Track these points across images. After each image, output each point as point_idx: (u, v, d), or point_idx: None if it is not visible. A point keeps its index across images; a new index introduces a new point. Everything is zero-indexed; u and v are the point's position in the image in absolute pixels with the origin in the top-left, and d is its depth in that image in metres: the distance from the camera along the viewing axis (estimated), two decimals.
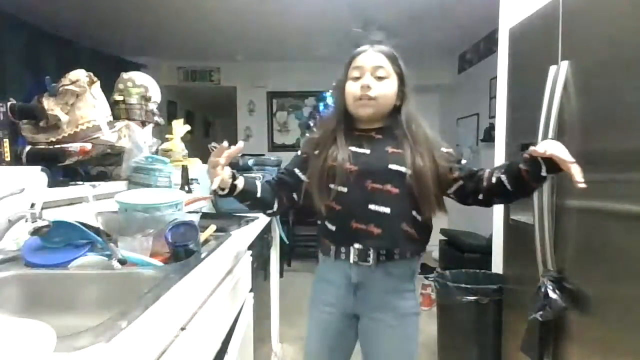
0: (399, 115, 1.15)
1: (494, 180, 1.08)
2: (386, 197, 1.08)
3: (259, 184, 1.18)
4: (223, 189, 1.11)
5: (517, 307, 1.80)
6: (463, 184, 1.13)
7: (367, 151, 1.13)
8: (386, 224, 1.09)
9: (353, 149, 1.13)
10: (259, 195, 1.17)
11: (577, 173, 0.93)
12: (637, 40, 1.15)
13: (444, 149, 1.15)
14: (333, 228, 1.14)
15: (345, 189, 1.11)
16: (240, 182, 1.12)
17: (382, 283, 1.13)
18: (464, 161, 1.16)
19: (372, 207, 1.09)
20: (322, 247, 1.19)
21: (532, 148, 0.97)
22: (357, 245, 1.10)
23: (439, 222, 5.29)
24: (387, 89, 1.12)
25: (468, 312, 2.05)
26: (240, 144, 1.10)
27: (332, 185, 1.12)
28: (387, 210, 1.08)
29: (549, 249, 1.46)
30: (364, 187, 1.09)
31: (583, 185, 0.92)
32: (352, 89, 1.14)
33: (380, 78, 1.12)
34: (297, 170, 1.22)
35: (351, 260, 1.11)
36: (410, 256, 1.13)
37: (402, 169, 1.08)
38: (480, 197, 1.12)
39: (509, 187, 1.05)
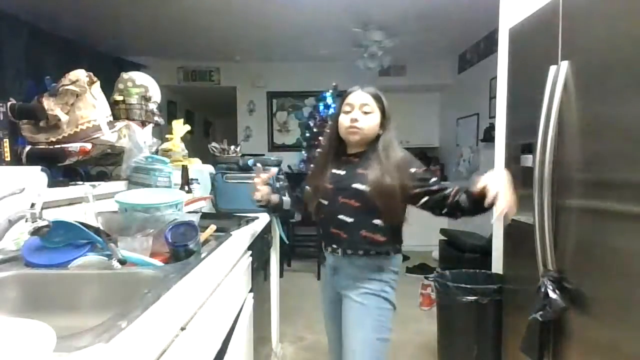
0: (377, 142, 1.42)
1: (455, 199, 1.31)
2: (350, 209, 1.36)
3: (286, 199, 1.57)
4: (259, 201, 1.50)
5: (517, 307, 1.80)
6: (428, 199, 1.35)
7: (343, 172, 1.41)
8: (350, 231, 1.37)
9: (334, 170, 1.43)
10: (286, 208, 1.57)
11: (497, 211, 1.19)
12: (637, 40, 1.15)
13: (413, 169, 1.37)
14: (321, 231, 1.48)
15: (326, 202, 1.41)
16: (274, 198, 1.53)
17: (349, 269, 1.41)
18: (434, 179, 1.37)
19: (340, 217, 1.37)
20: (320, 242, 1.56)
21: (472, 185, 1.25)
22: (334, 245, 1.42)
23: (439, 222, 5.26)
24: (371, 122, 1.40)
25: (468, 312, 2.05)
26: (274, 170, 1.55)
27: (319, 199, 1.43)
28: (351, 220, 1.36)
29: (549, 249, 1.46)
30: (337, 201, 1.38)
31: (498, 222, 1.17)
32: (343, 120, 1.41)
33: (366, 113, 1.39)
34: (307, 189, 1.54)
35: (329, 251, 1.46)
36: (375, 254, 1.38)
37: (362, 187, 1.34)
38: (444, 211, 1.35)
39: (466, 206, 1.30)
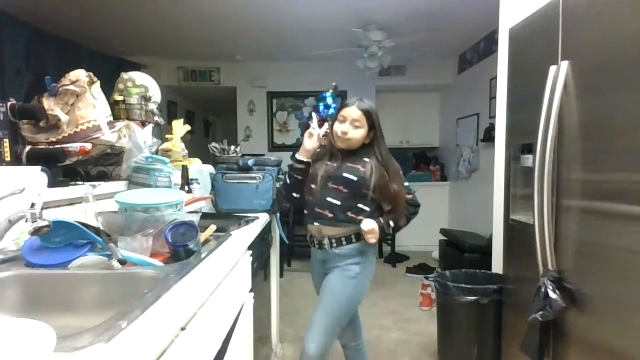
0: (372, 147, 1.69)
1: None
2: (338, 194, 1.64)
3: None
4: (301, 162, 1.76)
5: (517, 307, 1.80)
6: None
7: (335, 164, 1.69)
8: (336, 211, 1.65)
9: (328, 162, 1.70)
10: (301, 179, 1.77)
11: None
12: (637, 40, 1.15)
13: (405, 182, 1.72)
14: (305, 212, 1.75)
15: (314, 186, 1.68)
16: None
17: (335, 259, 1.68)
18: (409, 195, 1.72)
19: (328, 199, 1.65)
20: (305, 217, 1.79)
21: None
22: (316, 223, 1.69)
23: (439, 222, 5.25)
24: (358, 135, 1.66)
25: (468, 312, 2.05)
26: (320, 129, 1.76)
27: (311, 184, 1.70)
28: (338, 202, 1.64)
29: (549, 249, 1.46)
30: (327, 185, 1.66)
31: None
32: (337, 128, 1.68)
33: (356, 127, 1.65)
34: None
35: (316, 246, 1.74)
36: (355, 240, 1.66)
37: (351, 176, 1.63)
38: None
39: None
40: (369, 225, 1.61)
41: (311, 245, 1.78)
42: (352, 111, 1.65)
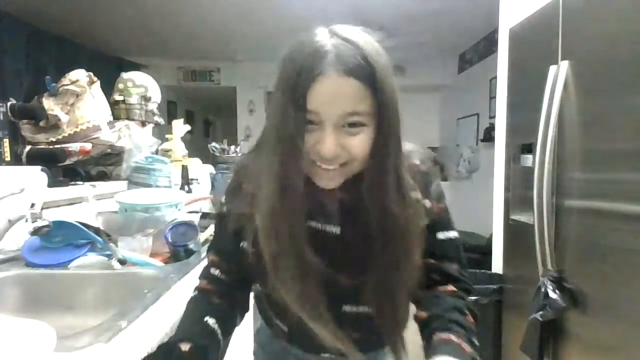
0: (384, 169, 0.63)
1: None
2: (360, 323, 0.71)
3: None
4: None
5: (517, 307, 1.80)
6: None
7: (337, 230, 0.68)
8: (361, 342, 0.70)
9: (314, 224, 0.68)
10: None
11: None
12: (637, 40, 1.15)
13: None
14: (285, 328, 0.76)
15: (295, 314, 0.64)
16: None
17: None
18: None
19: (347, 308, 0.71)
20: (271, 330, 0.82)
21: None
22: (326, 355, 0.76)
23: None
24: (359, 147, 0.61)
25: None
26: None
27: (287, 309, 0.65)
28: (362, 334, 0.71)
29: (548, 249, 1.46)
30: (336, 312, 0.67)
31: None
32: (300, 142, 0.60)
33: (353, 133, 0.60)
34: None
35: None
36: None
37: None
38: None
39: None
40: None
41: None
42: (337, 87, 0.58)
